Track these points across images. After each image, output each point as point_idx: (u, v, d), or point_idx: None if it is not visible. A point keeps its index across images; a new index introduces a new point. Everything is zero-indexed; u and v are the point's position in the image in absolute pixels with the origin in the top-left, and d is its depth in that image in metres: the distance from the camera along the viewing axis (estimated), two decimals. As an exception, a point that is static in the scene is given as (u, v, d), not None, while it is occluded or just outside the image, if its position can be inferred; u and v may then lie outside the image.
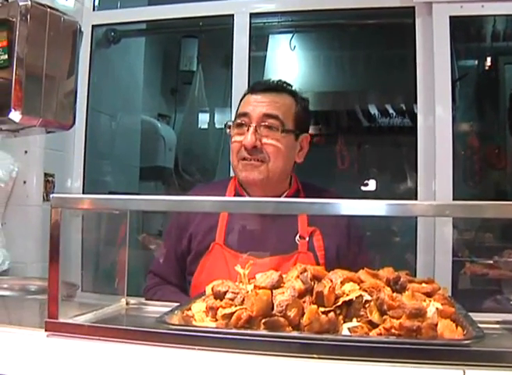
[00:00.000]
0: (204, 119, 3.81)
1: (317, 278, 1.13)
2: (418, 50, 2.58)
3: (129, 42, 3.63)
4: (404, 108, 3.71)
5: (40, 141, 2.76)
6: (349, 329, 1.04)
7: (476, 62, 3.47)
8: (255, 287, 1.11)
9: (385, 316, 1.04)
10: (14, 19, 1.26)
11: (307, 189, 1.91)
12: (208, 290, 1.22)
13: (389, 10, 2.71)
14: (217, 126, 3.84)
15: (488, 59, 3.35)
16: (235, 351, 0.98)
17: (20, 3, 1.25)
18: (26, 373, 0.95)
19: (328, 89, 3.72)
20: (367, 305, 1.07)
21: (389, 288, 1.11)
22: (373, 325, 1.05)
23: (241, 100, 1.88)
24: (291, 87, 1.90)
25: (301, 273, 1.12)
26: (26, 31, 1.26)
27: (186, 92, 3.89)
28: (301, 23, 3.22)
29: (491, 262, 2.58)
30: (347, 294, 1.08)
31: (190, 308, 1.18)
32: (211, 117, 3.86)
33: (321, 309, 1.05)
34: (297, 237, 1.76)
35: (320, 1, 2.80)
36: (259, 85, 1.87)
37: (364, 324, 1.05)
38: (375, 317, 1.05)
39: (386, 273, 1.18)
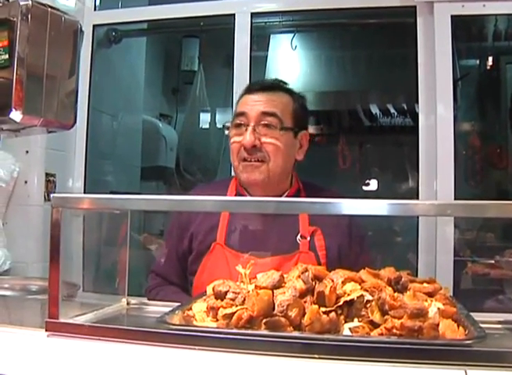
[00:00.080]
0: (205, 118, 3.81)
1: (318, 278, 1.13)
2: (420, 49, 2.57)
3: (130, 42, 3.63)
4: (406, 107, 3.69)
5: (41, 140, 2.76)
6: (350, 329, 1.04)
7: (478, 61, 3.46)
8: (256, 287, 1.11)
9: (386, 316, 1.04)
10: (15, 19, 1.26)
11: (308, 188, 1.91)
12: (209, 290, 1.21)
13: (391, 9, 2.70)
14: (218, 125, 3.84)
15: (490, 59, 3.34)
16: (236, 352, 0.98)
17: (21, 3, 1.24)
18: (26, 373, 0.94)
19: (329, 89, 3.71)
20: (368, 305, 1.07)
21: (390, 288, 1.11)
22: (374, 325, 1.04)
23: (238, 101, 1.88)
24: (287, 85, 1.90)
25: (302, 273, 1.12)
26: (26, 31, 1.26)
27: (188, 92, 3.89)
28: (302, 23, 3.22)
29: (492, 261, 2.58)
30: (348, 294, 1.08)
31: (190, 308, 1.18)
32: (213, 117, 3.86)
33: (323, 309, 1.04)
34: (298, 236, 1.76)
35: (321, 0, 2.79)
36: (255, 85, 1.88)
37: (366, 324, 1.05)
38: (376, 317, 1.05)
39: (388, 272, 1.18)
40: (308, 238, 1.76)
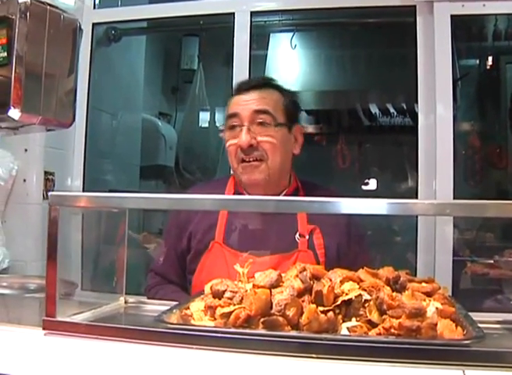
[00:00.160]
0: (204, 117, 3.80)
1: (316, 277, 1.12)
2: (419, 49, 2.57)
3: (129, 40, 3.63)
4: (405, 107, 3.69)
5: (40, 139, 2.76)
6: (348, 328, 1.03)
7: (477, 61, 3.46)
8: (254, 286, 1.11)
9: (384, 316, 1.04)
10: (13, 17, 1.26)
11: (306, 187, 1.91)
12: (207, 289, 1.21)
13: (391, 9, 2.70)
14: (218, 124, 3.83)
15: (490, 59, 3.34)
16: (233, 351, 0.97)
17: (20, 0, 1.24)
18: (23, 371, 0.94)
19: (329, 88, 3.71)
20: (366, 305, 1.07)
21: (388, 288, 1.11)
22: (372, 324, 1.04)
23: (228, 103, 1.88)
24: (275, 81, 1.91)
25: (300, 272, 1.12)
26: (25, 29, 1.26)
27: (187, 91, 3.89)
28: (302, 22, 3.22)
29: (492, 261, 2.58)
30: (347, 294, 1.08)
31: (188, 307, 1.18)
32: (212, 116, 3.85)
33: (321, 309, 1.04)
34: (297, 235, 1.76)
35: (321, -1, 2.80)
36: (244, 85, 1.86)
37: (364, 324, 1.04)
38: (374, 317, 1.05)
39: (386, 272, 1.18)
40: (307, 237, 1.76)
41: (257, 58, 3.25)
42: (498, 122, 3.37)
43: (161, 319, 1.07)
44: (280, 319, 1.02)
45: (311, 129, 3.95)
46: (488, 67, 3.37)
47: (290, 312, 1.03)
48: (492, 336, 1.11)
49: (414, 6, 2.58)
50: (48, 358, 1.00)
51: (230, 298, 1.11)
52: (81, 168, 3.03)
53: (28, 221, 2.73)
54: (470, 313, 1.13)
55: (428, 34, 2.53)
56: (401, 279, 1.14)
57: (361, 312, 1.06)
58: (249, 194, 1.82)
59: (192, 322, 1.12)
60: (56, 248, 1.07)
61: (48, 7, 1.33)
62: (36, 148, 2.77)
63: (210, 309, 1.12)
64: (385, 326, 1.00)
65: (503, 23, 3.07)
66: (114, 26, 3.29)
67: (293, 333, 1.02)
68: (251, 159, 1.76)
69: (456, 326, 1.04)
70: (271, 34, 3.53)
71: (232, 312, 1.05)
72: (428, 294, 1.13)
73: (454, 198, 2.45)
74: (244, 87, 1.84)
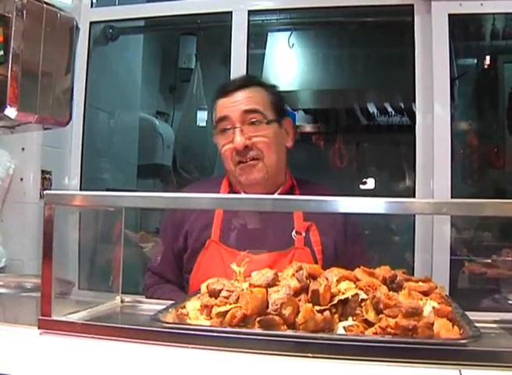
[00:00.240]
0: (202, 116, 3.79)
1: (312, 276, 1.12)
2: (417, 48, 2.57)
3: (127, 39, 3.62)
4: (403, 106, 3.69)
5: (37, 137, 2.75)
6: (344, 328, 1.03)
7: (475, 60, 3.46)
8: (250, 285, 1.10)
9: (381, 315, 1.04)
10: (10, 15, 1.26)
11: (301, 184, 1.91)
12: (203, 288, 1.21)
13: (388, 8, 2.70)
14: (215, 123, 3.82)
15: (488, 58, 3.34)
16: (229, 350, 0.97)
17: (16, -1, 1.24)
18: (18, 370, 0.94)
19: (326, 87, 3.70)
20: (363, 304, 1.07)
21: (385, 287, 1.11)
22: (369, 324, 1.04)
23: (214, 106, 1.87)
24: (257, 78, 1.93)
25: (297, 271, 1.11)
26: (22, 27, 1.26)
27: (185, 90, 3.88)
28: (300, 21, 3.21)
29: (489, 261, 2.58)
30: (343, 293, 1.08)
31: (184, 306, 1.18)
32: (210, 115, 3.83)
33: (317, 308, 1.04)
34: (293, 232, 1.76)
35: (318, -2, 2.79)
36: (228, 86, 1.85)
37: (360, 323, 1.04)
38: (370, 316, 1.05)
39: (383, 271, 1.18)
40: (303, 234, 1.76)
41: (255, 57, 3.24)
42: (496, 121, 3.37)
43: (156, 319, 1.07)
44: (276, 318, 1.02)
45: (308, 128, 3.96)
46: (485, 66, 3.37)
47: (286, 312, 1.03)
48: (489, 335, 1.11)
49: (412, 5, 2.58)
50: (42, 358, 1.00)
51: (226, 297, 1.11)
52: (78, 167, 3.02)
53: (25, 220, 2.73)
54: (467, 313, 1.13)
55: (426, 33, 2.52)
56: (398, 278, 1.13)
57: (358, 312, 1.06)
58: (246, 193, 1.82)
59: (188, 321, 1.12)
60: (52, 246, 1.07)
61: (45, 5, 1.33)
62: (33, 147, 2.76)
63: (206, 308, 1.12)
64: (382, 326, 1.00)
65: (500, 23, 3.07)
66: (111, 24, 3.28)
67: (289, 332, 1.02)
68: (248, 159, 1.76)
69: (453, 325, 1.04)
70: (268, 33, 3.52)
71: (229, 311, 1.05)
72: (425, 294, 1.13)
73: (452, 197, 2.44)
74: (230, 89, 1.83)
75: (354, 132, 3.90)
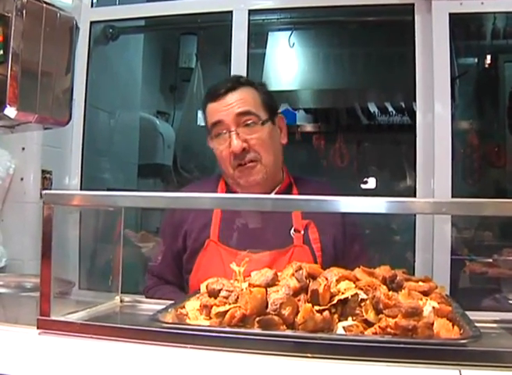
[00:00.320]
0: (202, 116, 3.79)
1: (312, 276, 1.12)
2: (417, 47, 2.56)
3: (127, 39, 3.62)
4: (404, 106, 3.69)
5: (37, 137, 2.75)
6: (344, 328, 1.03)
7: (476, 59, 3.46)
8: (250, 285, 1.10)
9: (380, 315, 1.03)
10: (9, 15, 1.26)
11: (299, 182, 1.91)
12: (203, 288, 1.21)
13: (389, 7, 2.70)
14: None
15: (488, 57, 3.33)
16: (228, 350, 0.97)
17: (16, -2, 1.24)
18: (16, 370, 0.94)
19: (327, 86, 3.69)
20: (362, 304, 1.07)
21: (385, 287, 1.10)
22: (369, 324, 1.04)
23: (204, 111, 1.87)
24: (246, 78, 1.92)
25: (296, 271, 1.11)
26: (21, 27, 1.26)
27: (185, 89, 3.87)
28: (300, 20, 3.21)
29: (490, 260, 2.57)
30: (343, 293, 1.08)
31: (183, 307, 1.17)
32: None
33: (316, 308, 1.04)
34: (292, 230, 1.76)
35: (319, -2, 2.79)
36: (218, 90, 1.83)
37: (360, 323, 1.04)
38: (370, 316, 1.04)
39: (383, 271, 1.17)
40: (302, 232, 1.75)
41: (256, 57, 3.24)
42: (496, 120, 3.36)
43: (155, 319, 1.06)
44: (275, 318, 1.02)
45: (309, 127, 3.96)
46: (486, 66, 3.37)
47: (286, 312, 1.02)
48: (489, 335, 1.11)
49: (413, 4, 2.57)
50: (41, 358, 1.00)
51: (226, 297, 1.11)
52: (79, 166, 3.02)
53: (25, 220, 2.72)
54: (467, 312, 1.13)
55: (427, 33, 2.52)
56: (398, 278, 1.13)
57: (357, 312, 1.06)
58: (242, 192, 1.82)
59: (187, 321, 1.12)
60: (51, 246, 1.07)
61: (44, 5, 1.32)
62: (33, 147, 2.76)
63: (205, 308, 1.11)
64: (382, 326, 1.00)
65: (501, 22, 3.07)
66: (112, 24, 3.28)
67: (288, 332, 1.01)
68: (247, 162, 1.77)
69: (453, 325, 1.04)
70: (269, 33, 3.52)
71: (228, 311, 1.05)
72: (425, 294, 1.12)
73: (452, 197, 2.44)
74: (220, 92, 1.81)
75: (355, 131, 3.90)
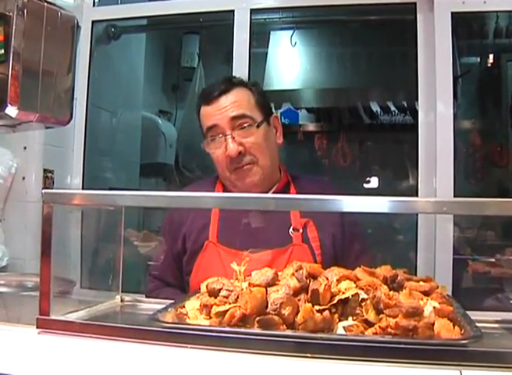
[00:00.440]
0: (204, 115, 3.78)
1: (312, 276, 1.12)
2: (420, 46, 2.56)
3: (129, 38, 3.62)
4: (406, 105, 3.69)
5: (39, 136, 2.75)
6: (344, 328, 1.03)
7: (478, 59, 3.45)
8: (250, 284, 1.10)
9: (381, 315, 1.03)
10: (11, 14, 1.25)
11: (296, 180, 1.91)
12: (203, 287, 1.20)
13: (391, 6, 2.69)
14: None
15: (491, 56, 3.33)
16: (227, 350, 0.97)
17: (17, -3, 1.23)
18: (15, 370, 0.93)
19: (329, 86, 3.68)
20: (363, 304, 1.06)
21: (385, 286, 1.10)
22: (369, 324, 1.03)
23: (198, 114, 1.86)
24: (238, 79, 1.89)
25: (296, 271, 1.11)
26: (22, 26, 1.26)
27: (187, 88, 3.88)
28: (302, 19, 3.21)
29: (493, 260, 2.57)
30: (343, 293, 1.07)
31: (183, 306, 1.17)
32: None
33: (317, 308, 1.03)
34: (291, 229, 1.75)
35: (321, -3, 2.78)
36: (212, 93, 1.81)
37: (360, 323, 1.04)
38: (371, 316, 1.04)
39: (383, 271, 1.17)
40: (301, 230, 1.75)
41: (258, 56, 3.23)
42: (499, 120, 3.35)
43: (155, 318, 1.06)
44: (275, 318, 1.02)
45: (311, 127, 3.96)
46: (489, 65, 3.36)
47: (286, 311, 1.02)
48: (490, 335, 1.10)
49: (415, 3, 2.57)
50: (40, 357, 0.99)
51: (226, 297, 1.10)
52: (81, 166, 3.02)
53: (27, 219, 2.72)
54: (469, 312, 1.12)
55: (429, 32, 2.51)
56: (398, 278, 1.13)
57: (358, 311, 1.06)
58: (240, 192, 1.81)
59: (187, 321, 1.12)
60: (50, 245, 1.07)
61: (46, 4, 1.32)
62: (35, 146, 2.76)
63: (205, 308, 1.11)
64: (382, 326, 0.99)
65: (504, 21, 3.06)
66: (113, 23, 3.28)
67: (288, 332, 1.01)
68: (243, 165, 1.77)
69: (454, 325, 1.04)
70: (271, 32, 3.52)
71: (228, 310, 1.04)
72: (426, 293, 1.12)
73: (455, 196, 2.43)
74: (214, 96, 1.80)
75: (357, 131, 3.89)
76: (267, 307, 1.03)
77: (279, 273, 1.15)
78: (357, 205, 1.02)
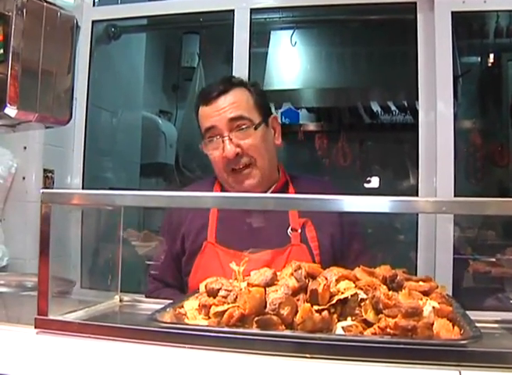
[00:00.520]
0: (205, 115, 3.77)
1: (311, 276, 1.11)
2: (420, 46, 2.55)
3: (129, 38, 3.62)
4: (406, 104, 3.68)
5: (39, 136, 2.75)
6: (343, 328, 1.02)
7: (479, 58, 3.45)
8: (248, 284, 1.10)
9: (380, 315, 1.02)
10: (10, 14, 1.25)
11: (295, 179, 1.91)
12: (202, 287, 1.20)
13: (391, 6, 2.69)
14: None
15: (491, 56, 3.32)
16: (226, 350, 0.96)
17: (16, -3, 1.23)
18: (13, 370, 0.93)
19: (329, 85, 3.68)
20: (362, 304, 1.06)
21: (385, 286, 1.10)
22: (368, 324, 1.03)
23: (196, 114, 1.86)
24: (238, 79, 1.88)
25: (295, 271, 1.10)
26: (22, 26, 1.26)
27: (188, 88, 3.87)
28: (302, 19, 3.21)
29: (493, 260, 2.56)
30: (342, 292, 1.07)
31: (182, 306, 1.17)
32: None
33: (316, 308, 1.03)
34: (289, 229, 1.75)
35: (321, -4, 2.78)
36: (211, 93, 1.81)
37: (359, 323, 1.03)
38: (370, 316, 1.03)
39: (383, 271, 1.17)
40: (299, 230, 1.75)
41: (258, 56, 3.23)
42: (499, 119, 3.35)
43: (153, 318, 1.06)
44: (274, 318, 1.01)
45: (311, 126, 3.96)
46: (489, 64, 3.36)
47: (285, 311, 1.02)
48: (490, 336, 1.10)
49: (415, 3, 2.57)
50: (38, 358, 0.99)
51: (225, 297, 1.10)
52: (81, 166, 3.02)
53: (27, 219, 2.72)
54: (469, 312, 1.12)
55: (429, 31, 2.51)
56: (398, 278, 1.12)
57: (357, 312, 1.05)
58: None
59: (186, 321, 1.12)
60: (48, 245, 1.07)
61: (45, 4, 1.32)
62: (35, 146, 2.76)
63: (204, 308, 1.11)
64: (381, 326, 0.99)
65: (504, 20, 3.06)
66: (114, 23, 3.28)
67: (287, 332, 1.01)
68: (241, 166, 1.76)
69: (453, 325, 1.03)
70: (271, 32, 3.51)
71: (226, 310, 1.04)
72: (426, 293, 1.12)
73: (455, 196, 2.43)
74: (212, 96, 1.79)
75: (358, 130, 3.89)
76: (265, 307, 1.03)
77: (278, 273, 1.15)
78: (357, 205, 1.02)
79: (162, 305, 1.17)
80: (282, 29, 3.42)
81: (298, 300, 1.06)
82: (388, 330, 0.98)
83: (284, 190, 1.84)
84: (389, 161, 3.84)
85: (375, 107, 3.81)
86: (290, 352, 0.95)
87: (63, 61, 1.40)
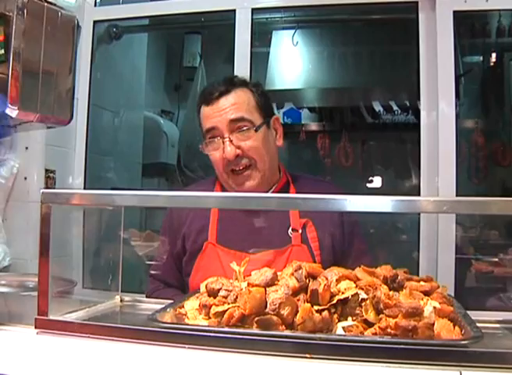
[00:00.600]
0: (206, 115, 3.77)
1: (312, 276, 1.11)
2: (422, 45, 2.55)
3: (131, 38, 3.62)
4: (408, 104, 3.67)
5: (40, 136, 2.75)
6: (344, 328, 1.02)
7: (481, 57, 3.44)
8: (249, 284, 1.09)
9: (381, 315, 1.02)
10: (11, 14, 1.25)
11: (296, 179, 1.90)
12: (202, 287, 1.20)
13: (393, 5, 2.69)
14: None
15: (493, 55, 3.31)
16: (226, 350, 0.96)
17: (17, -3, 1.23)
18: (13, 370, 0.93)
19: (331, 85, 3.67)
20: (363, 304, 1.06)
21: (385, 286, 1.09)
22: (369, 324, 1.03)
23: (198, 114, 1.85)
24: (239, 78, 1.87)
25: (296, 271, 1.10)
26: (22, 26, 1.26)
27: (189, 88, 3.87)
28: (304, 19, 3.20)
29: (496, 259, 2.56)
30: (343, 293, 1.07)
31: (182, 306, 1.17)
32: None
33: (316, 308, 1.03)
34: (290, 230, 1.75)
35: (322, -4, 2.78)
36: (212, 93, 1.79)
37: (360, 323, 1.03)
38: (370, 316, 1.03)
39: (384, 270, 1.16)
40: (300, 231, 1.74)
41: (259, 56, 3.23)
42: (502, 119, 3.34)
43: (154, 318, 1.06)
44: (274, 318, 1.01)
45: (313, 126, 3.95)
46: (491, 64, 3.35)
47: (285, 312, 1.02)
48: (491, 336, 1.09)
49: (417, 2, 2.56)
50: (38, 358, 0.99)
51: (225, 297, 1.10)
52: (82, 166, 3.02)
53: (29, 219, 2.72)
54: (471, 312, 1.12)
55: (431, 30, 2.50)
56: (399, 277, 1.12)
57: (358, 312, 1.05)
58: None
59: (186, 321, 1.11)
60: (48, 245, 1.07)
61: (46, 4, 1.32)
62: (37, 146, 2.76)
63: (204, 308, 1.11)
64: (382, 326, 0.99)
65: (506, 19, 3.04)
66: (115, 23, 3.28)
67: (287, 332, 1.00)
68: (241, 167, 1.76)
69: (454, 325, 1.03)
70: (273, 31, 3.51)
71: (226, 310, 1.04)
72: (427, 293, 1.11)
73: (457, 196, 2.42)
74: (214, 96, 1.78)
75: (360, 130, 3.88)
76: (266, 307, 1.03)
77: (279, 273, 1.14)
78: (358, 205, 1.02)
79: (163, 305, 1.17)
80: (283, 29, 3.42)
81: (298, 300, 1.06)
82: (388, 330, 0.98)
83: (285, 190, 1.84)
84: (391, 161, 3.83)
85: (377, 107, 3.80)
86: (291, 352, 0.95)
87: (64, 61, 1.39)
